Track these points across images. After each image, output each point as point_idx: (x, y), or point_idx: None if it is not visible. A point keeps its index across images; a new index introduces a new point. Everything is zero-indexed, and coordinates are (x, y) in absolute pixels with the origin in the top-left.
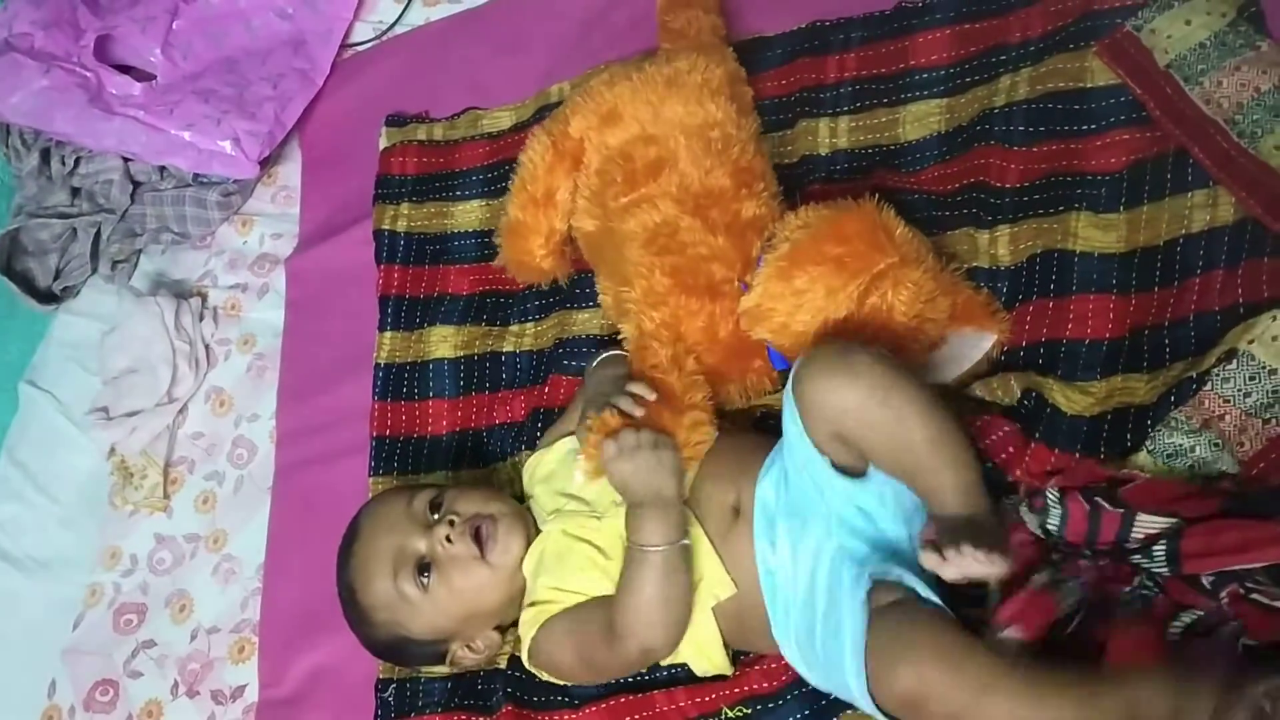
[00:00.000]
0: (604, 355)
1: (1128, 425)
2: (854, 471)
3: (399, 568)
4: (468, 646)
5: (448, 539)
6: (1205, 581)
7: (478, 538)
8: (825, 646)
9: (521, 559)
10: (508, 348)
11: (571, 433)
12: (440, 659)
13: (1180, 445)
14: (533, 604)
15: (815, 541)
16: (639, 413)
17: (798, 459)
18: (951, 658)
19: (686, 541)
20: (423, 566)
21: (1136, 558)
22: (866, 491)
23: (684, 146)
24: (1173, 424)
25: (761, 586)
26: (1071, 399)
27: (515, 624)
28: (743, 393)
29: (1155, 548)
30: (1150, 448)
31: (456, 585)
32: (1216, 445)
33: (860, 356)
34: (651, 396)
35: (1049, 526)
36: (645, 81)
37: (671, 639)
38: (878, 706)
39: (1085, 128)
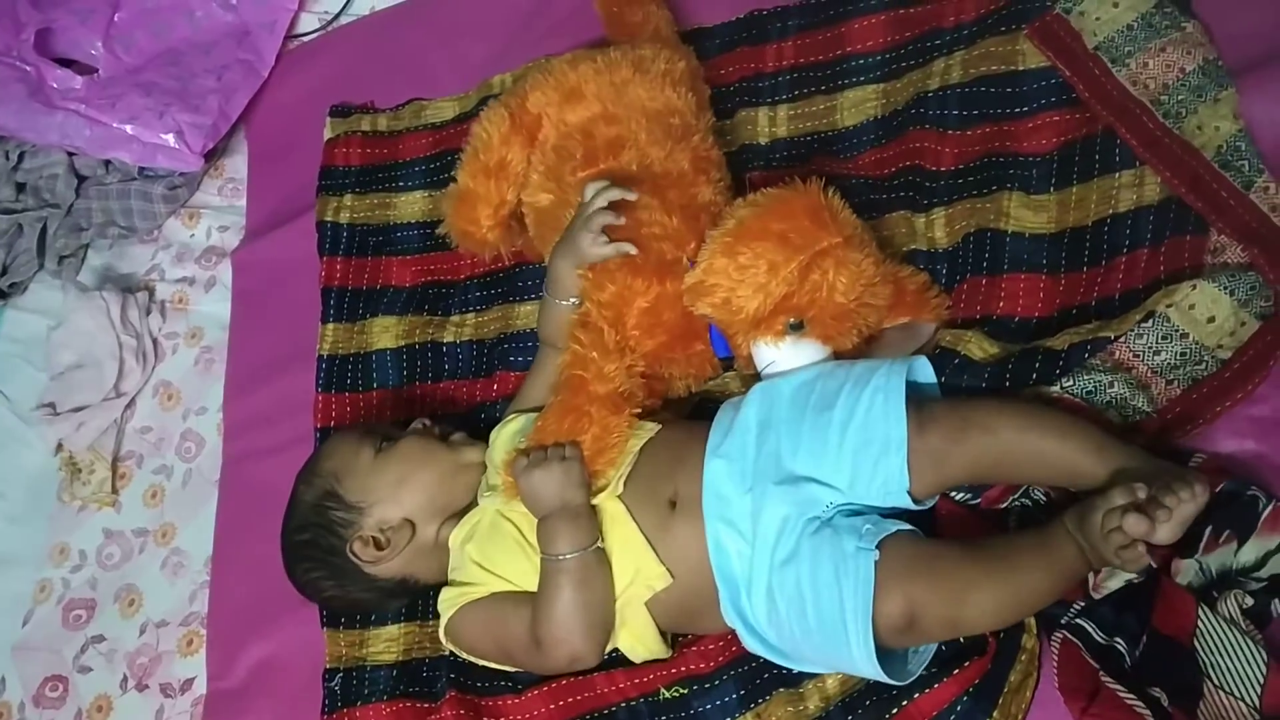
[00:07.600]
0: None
1: (1035, 363)
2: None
3: (366, 435)
4: (374, 538)
5: (423, 425)
6: None
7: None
8: (818, 608)
9: (474, 464)
10: (448, 338)
11: (526, 411)
12: (340, 549)
13: (1099, 381)
14: (453, 583)
15: (782, 513)
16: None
17: (841, 474)
18: (929, 571)
19: (599, 545)
20: (387, 440)
21: None
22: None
23: (644, 129)
24: (1089, 367)
25: (713, 566)
26: (987, 350)
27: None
28: (685, 378)
29: None
30: (1066, 385)
31: (407, 451)
32: (1132, 384)
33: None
34: (633, 197)
35: None
36: (610, 64)
37: (596, 643)
38: (879, 647)
39: (1017, 110)
